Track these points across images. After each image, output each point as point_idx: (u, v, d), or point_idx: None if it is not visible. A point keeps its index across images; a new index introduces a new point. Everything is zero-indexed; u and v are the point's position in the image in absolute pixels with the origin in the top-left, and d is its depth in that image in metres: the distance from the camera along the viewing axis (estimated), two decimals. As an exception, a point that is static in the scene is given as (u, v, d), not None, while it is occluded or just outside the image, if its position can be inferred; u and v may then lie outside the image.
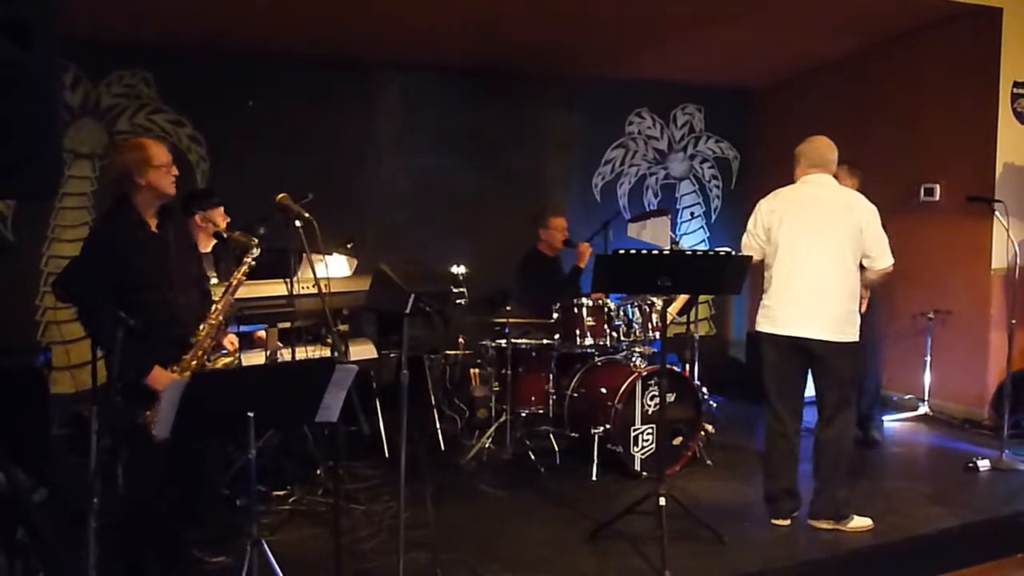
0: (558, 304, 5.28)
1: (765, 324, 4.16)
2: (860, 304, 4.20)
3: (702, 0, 5.82)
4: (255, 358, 4.54)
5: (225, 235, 3.86)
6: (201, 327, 3.42)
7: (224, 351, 3.57)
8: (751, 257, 4.11)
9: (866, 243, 4.04)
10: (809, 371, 4.18)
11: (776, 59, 7.34)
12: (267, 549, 2.95)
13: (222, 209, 4.44)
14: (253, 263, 3.58)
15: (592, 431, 4.89)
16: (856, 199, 4.14)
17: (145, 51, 6.20)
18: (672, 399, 4.97)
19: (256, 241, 3.59)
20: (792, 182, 4.24)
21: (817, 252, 4.02)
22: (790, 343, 4.07)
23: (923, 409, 6.46)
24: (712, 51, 6.99)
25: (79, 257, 3.50)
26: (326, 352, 4.60)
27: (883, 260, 4.08)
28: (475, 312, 5.71)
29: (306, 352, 4.54)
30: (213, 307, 3.49)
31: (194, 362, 3.38)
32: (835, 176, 4.35)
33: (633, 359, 5.21)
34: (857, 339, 4.06)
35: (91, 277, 3.32)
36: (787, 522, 4.17)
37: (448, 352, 5.90)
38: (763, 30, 6.42)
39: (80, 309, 3.46)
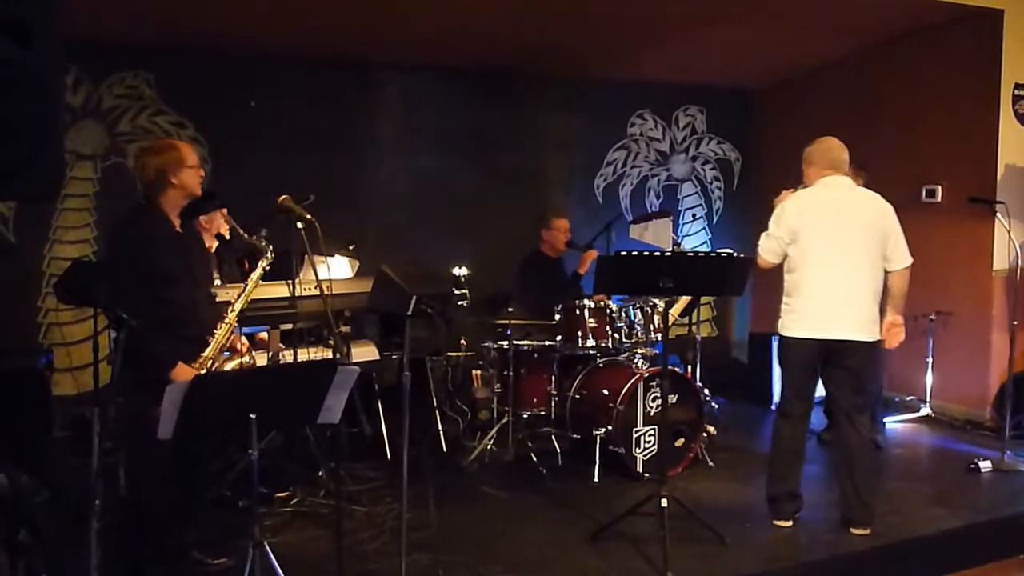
0: (560, 306, 5.29)
1: (796, 328, 4.07)
2: (895, 332, 4.18)
3: (702, 0, 5.82)
4: (257, 359, 4.54)
5: (231, 237, 3.88)
6: (219, 325, 3.46)
7: (227, 353, 3.58)
8: (753, 259, 4.09)
9: (888, 244, 4.06)
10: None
11: (777, 60, 7.34)
12: (269, 551, 2.96)
13: (225, 211, 4.44)
14: (268, 268, 3.63)
15: (594, 432, 4.89)
16: (876, 200, 4.15)
17: (146, 52, 6.21)
18: (674, 400, 4.97)
19: (271, 246, 3.64)
20: (800, 183, 4.24)
21: (849, 253, 4.01)
22: (820, 346, 4.02)
23: (925, 410, 6.46)
24: (713, 52, 6.99)
25: (112, 258, 3.50)
26: (328, 354, 4.60)
27: (903, 260, 4.10)
28: (477, 313, 5.71)
29: (308, 354, 4.53)
30: (230, 307, 3.52)
31: (211, 360, 3.41)
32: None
33: (635, 360, 5.21)
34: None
35: (128, 276, 3.33)
36: (790, 523, 4.16)
37: (450, 354, 5.90)
38: (764, 31, 6.42)
39: (113, 309, 3.46)
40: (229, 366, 3.52)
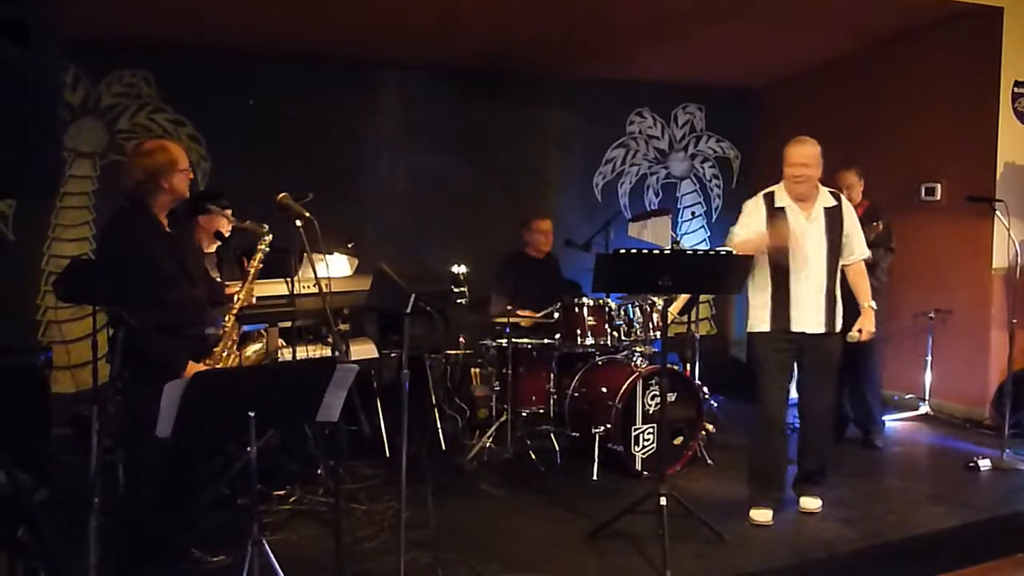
0: (558, 303, 5.29)
1: None
2: None
3: (703, -1, 5.83)
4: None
5: (230, 235, 3.90)
6: (227, 319, 3.48)
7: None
8: (752, 257, 4.11)
9: None
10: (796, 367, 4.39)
11: (777, 58, 7.34)
12: (268, 549, 2.96)
13: (229, 211, 4.44)
14: (267, 249, 3.65)
15: (593, 431, 4.89)
16: None
17: (145, 50, 6.19)
18: (673, 398, 4.97)
19: (267, 228, 3.65)
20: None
21: None
22: None
23: (924, 409, 6.47)
24: (713, 50, 6.99)
25: (108, 261, 3.48)
26: (327, 351, 4.60)
27: None
28: (475, 311, 5.71)
29: (307, 351, 4.54)
30: (235, 298, 3.55)
31: (225, 353, 3.45)
32: (844, 179, 4.50)
33: (634, 359, 5.21)
34: None
35: (127, 279, 3.32)
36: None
37: (449, 352, 5.89)
38: (764, 29, 6.42)
39: (115, 310, 3.46)
40: (252, 349, 3.56)
